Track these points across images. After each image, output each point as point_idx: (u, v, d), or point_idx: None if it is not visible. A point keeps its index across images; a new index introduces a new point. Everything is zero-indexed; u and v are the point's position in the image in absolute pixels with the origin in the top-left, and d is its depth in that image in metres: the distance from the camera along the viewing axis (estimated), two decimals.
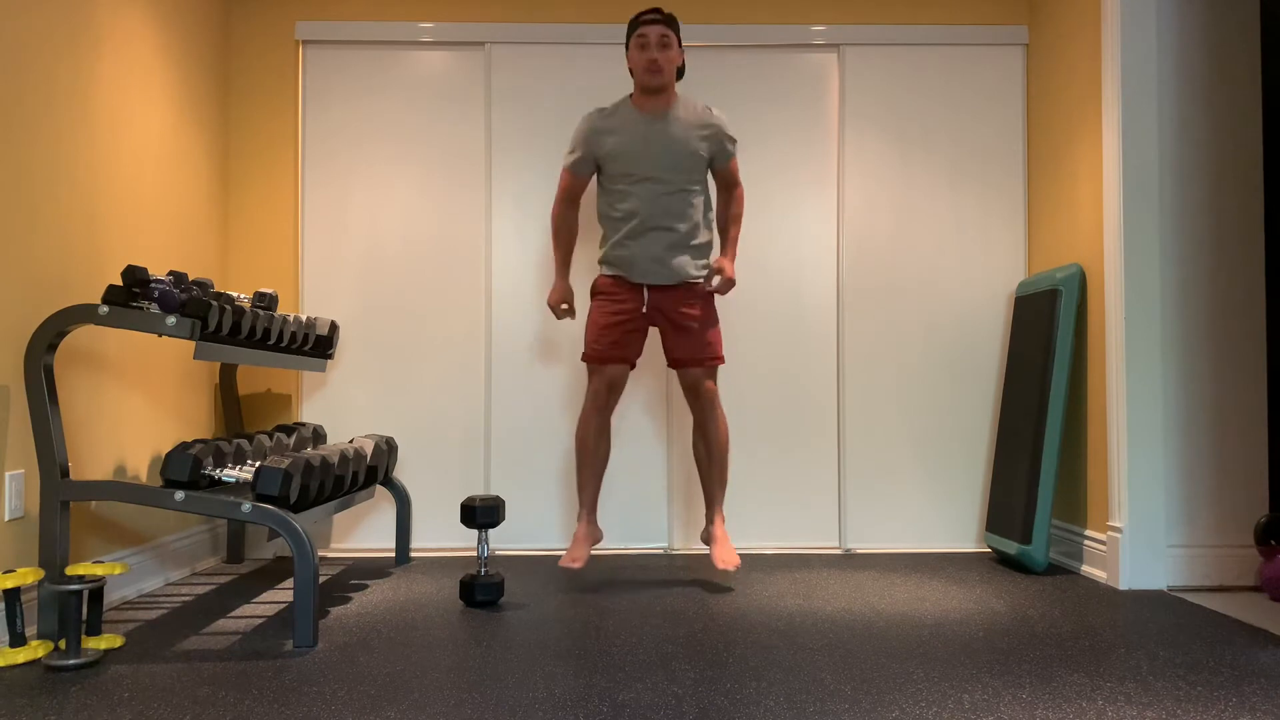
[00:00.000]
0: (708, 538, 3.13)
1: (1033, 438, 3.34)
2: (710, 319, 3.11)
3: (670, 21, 3.05)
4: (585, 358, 3.11)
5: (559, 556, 3.61)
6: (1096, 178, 3.26)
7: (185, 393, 3.37)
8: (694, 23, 3.78)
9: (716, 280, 3.06)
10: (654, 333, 3.24)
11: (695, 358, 3.07)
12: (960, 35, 3.80)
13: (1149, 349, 3.09)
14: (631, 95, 3.12)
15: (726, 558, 3.01)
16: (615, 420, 3.65)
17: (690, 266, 3.08)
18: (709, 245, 3.15)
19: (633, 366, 3.13)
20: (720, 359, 3.11)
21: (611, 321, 3.07)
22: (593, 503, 3.14)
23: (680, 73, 3.14)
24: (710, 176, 3.18)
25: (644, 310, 3.08)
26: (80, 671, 2.19)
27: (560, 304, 3.19)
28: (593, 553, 3.60)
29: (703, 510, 3.67)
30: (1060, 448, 3.31)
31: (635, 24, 3.07)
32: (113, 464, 2.90)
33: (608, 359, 3.07)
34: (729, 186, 3.18)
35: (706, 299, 3.12)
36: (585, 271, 3.61)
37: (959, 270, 3.81)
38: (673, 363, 3.12)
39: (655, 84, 3.02)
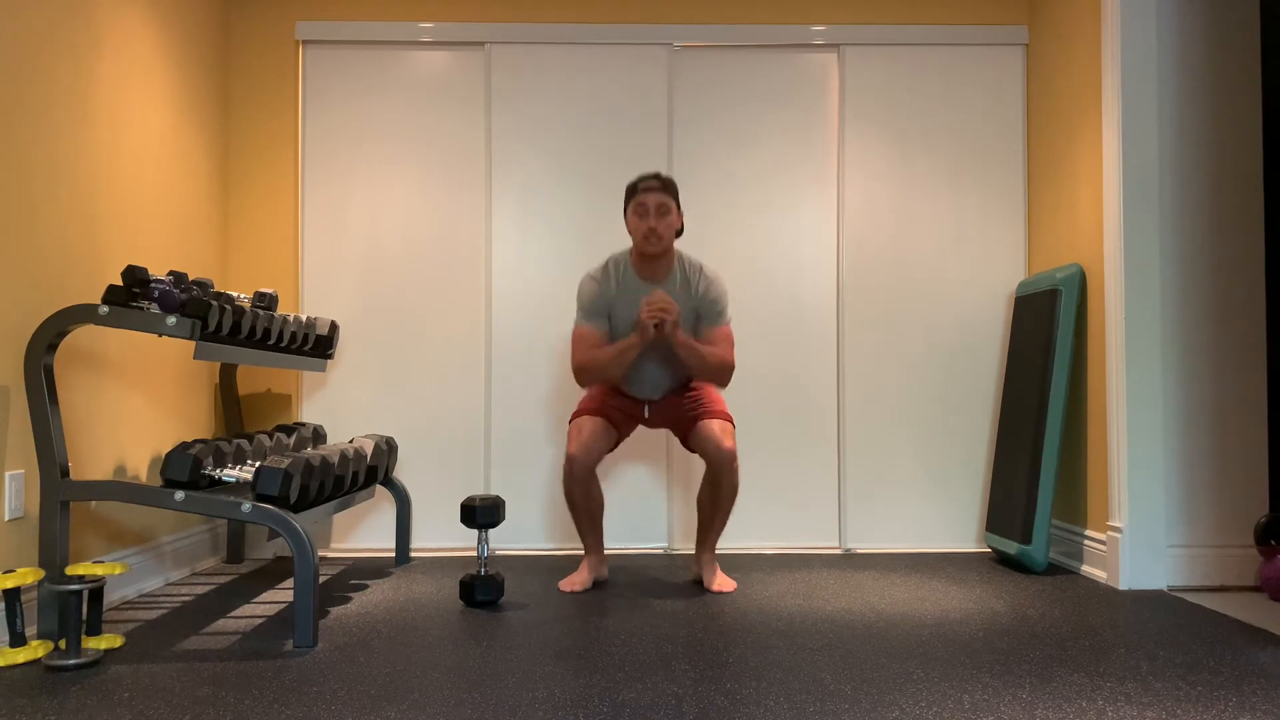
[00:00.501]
0: (699, 570, 3.12)
1: (1033, 438, 3.34)
2: (711, 392, 3.12)
3: (668, 188, 3.02)
4: (573, 416, 3.08)
5: (559, 557, 3.61)
6: (1096, 178, 3.26)
7: (185, 393, 3.37)
8: (694, 22, 3.78)
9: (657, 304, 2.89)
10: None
11: (709, 412, 3.04)
12: (960, 35, 3.80)
13: (1149, 349, 3.09)
14: (630, 256, 3.09)
15: (722, 584, 3.03)
16: None
17: (680, 386, 3.11)
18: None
19: (612, 448, 3.10)
20: (729, 417, 3.08)
21: (611, 402, 3.08)
22: (598, 546, 3.12)
23: (679, 233, 3.09)
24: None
25: (645, 416, 3.12)
26: (80, 671, 2.19)
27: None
28: None
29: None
30: (1060, 448, 3.31)
31: (634, 190, 3.04)
32: (113, 464, 2.90)
33: (594, 413, 3.04)
34: (711, 344, 3.04)
35: (701, 385, 3.13)
36: (588, 262, 3.57)
37: (959, 270, 3.81)
38: (688, 437, 3.11)
39: (654, 251, 3.01)
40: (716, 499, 3.04)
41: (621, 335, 3.02)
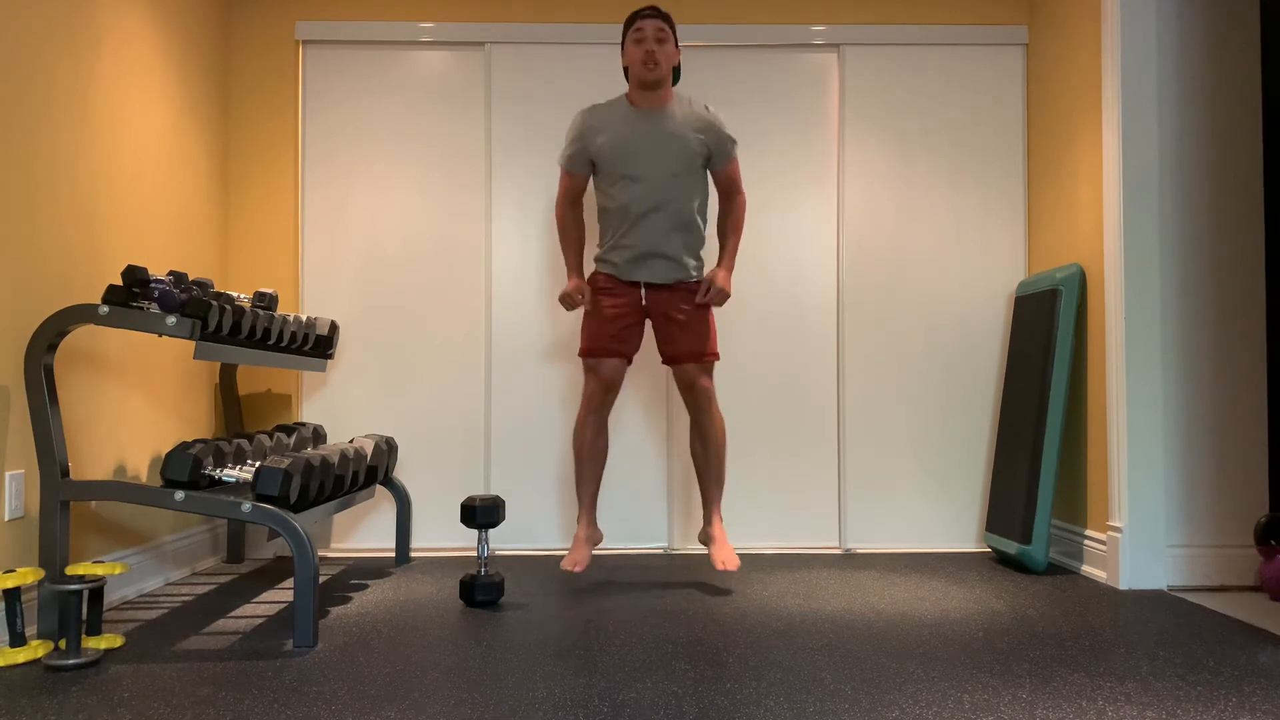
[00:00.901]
0: (706, 538, 3.11)
1: (1033, 438, 3.34)
2: (705, 315, 3.09)
3: (667, 18, 3.05)
4: (583, 352, 3.10)
5: (559, 557, 3.62)
6: (1096, 178, 3.26)
7: (185, 393, 3.37)
8: (694, 22, 3.78)
9: (711, 291, 3.03)
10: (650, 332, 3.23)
11: (690, 353, 3.05)
12: (960, 35, 3.80)
13: (1149, 349, 3.09)
14: (627, 93, 3.11)
15: (726, 558, 2.99)
16: (615, 420, 3.66)
17: (688, 265, 3.07)
18: (703, 239, 3.12)
19: (629, 362, 3.12)
20: (715, 355, 3.09)
21: (610, 315, 3.07)
22: (592, 503, 3.13)
23: (676, 74, 3.12)
24: (711, 181, 3.16)
25: (641, 303, 3.08)
26: (80, 671, 2.19)
27: (576, 294, 3.08)
28: (593, 553, 3.59)
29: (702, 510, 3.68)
30: (1060, 448, 3.31)
31: (631, 20, 3.07)
32: (113, 464, 2.90)
33: (606, 353, 3.06)
34: (729, 194, 3.12)
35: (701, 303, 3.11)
36: (587, 269, 3.60)
37: (959, 270, 3.81)
38: (667, 359, 3.10)
39: (651, 78, 3.00)
40: (705, 443, 3.08)
41: (607, 165, 3.03)
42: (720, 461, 3.12)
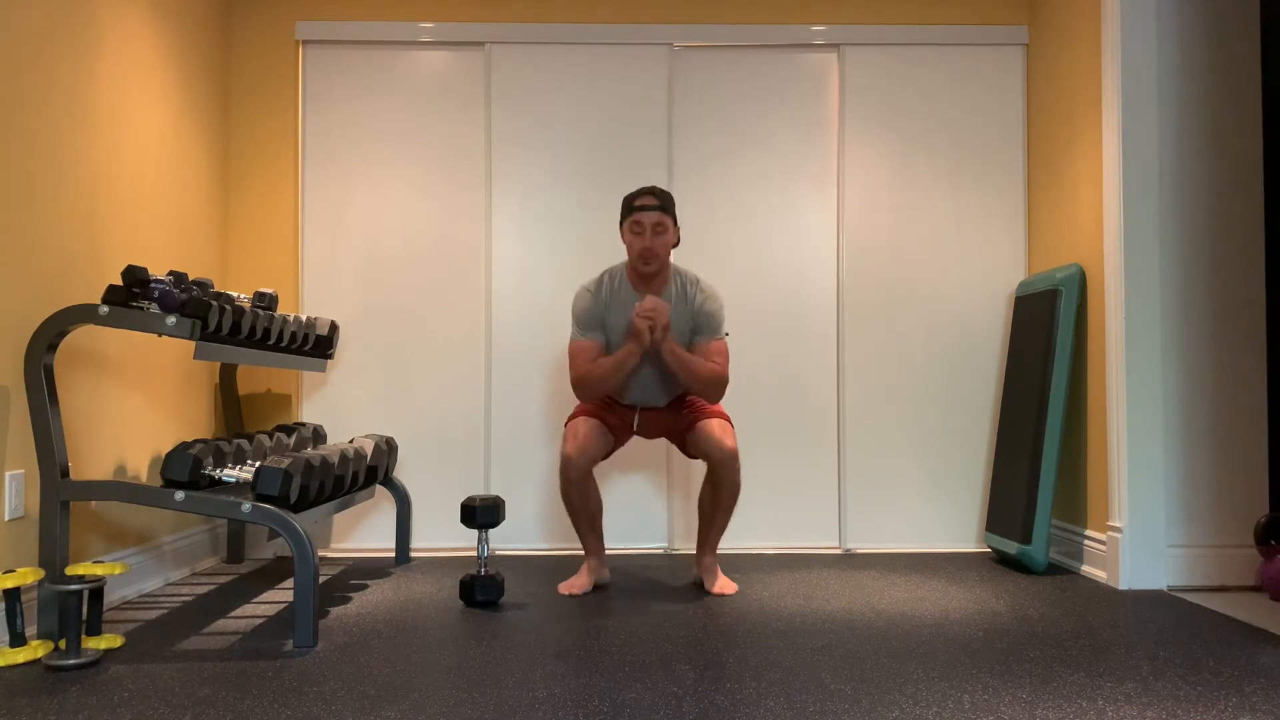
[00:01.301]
0: (701, 570, 3.10)
1: (1033, 438, 3.34)
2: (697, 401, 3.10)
3: (665, 206, 2.99)
4: (567, 420, 3.07)
5: (559, 557, 3.61)
6: (1096, 178, 3.26)
7: (185, 393, 3.37)
8: (694, 22, 3.78)
9: (647, 303, 2.91)
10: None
11: (702, 414, 3.03)
12: (960, 35, 3.80)
13: (1149, 349, 3.09)
14: (626, 270, 3.07)
15: (723, 586, 3.02)
16: None
17: (676, 394, 3.10)
18: None
19: (609, 452, 3.09)
20: (727, 416, 3.05)
21: (605, 412, 3.06)
22: (598, 549, 3.10)
23: (675, 244, 3.06)
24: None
25: (633, 426, 3.11)
26: (80, 671, 2.19)
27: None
28: None
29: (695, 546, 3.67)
30: (1060, 448, 3.31)
31: (631, 207, 3.01)
32: (113, 464, 2.90)
33: (590, 414, 3.03)
34: (705, 358, 3.02)
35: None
36: (588, 262, 3.57)
37: (959, 270, 3.81)
38: (686, 442, 3.09)
39: (649, 270, 3.00)
40: (718, 499, 3.03)
41: (616, 346, 3.00)
42: (728, 517, 3.07)
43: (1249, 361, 3.14)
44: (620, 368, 2.95)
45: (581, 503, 3.01)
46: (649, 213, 2.97)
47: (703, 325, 3.04)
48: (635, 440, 3.48)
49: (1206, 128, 3.15)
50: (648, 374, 3.04)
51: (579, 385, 3.02)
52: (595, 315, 3.03)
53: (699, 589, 3.06)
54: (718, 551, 3.14)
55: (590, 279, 3.11)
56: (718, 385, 3.01)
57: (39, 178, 2.54)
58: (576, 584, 3.02)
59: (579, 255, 3.67)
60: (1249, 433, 3.14)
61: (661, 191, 3.03)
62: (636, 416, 3.10)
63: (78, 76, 2.73)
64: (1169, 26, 3.14)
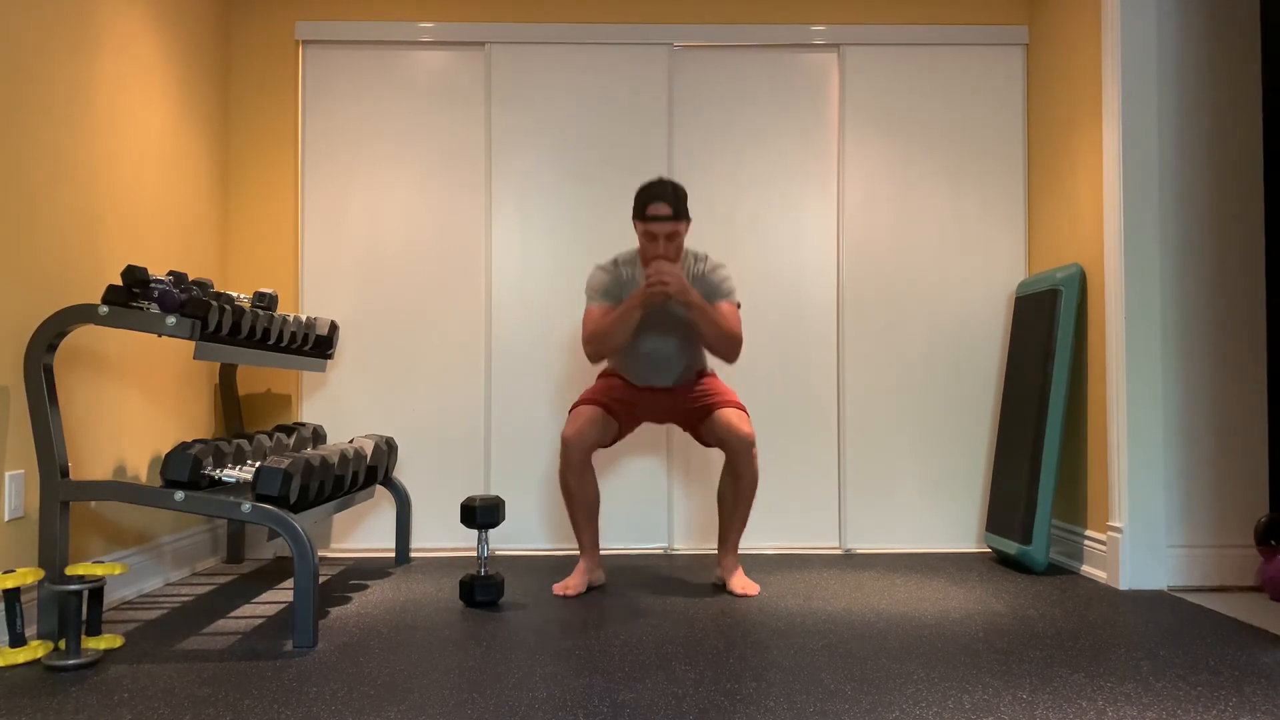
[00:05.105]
0: (722, 571, 3.09)
1: (1033, 438, 3.34)
2: (719, 383, 3.12)
3: (679, 212, 2.96)
4: (572, 408, 3.08)
5: (559, 557, 3.61)
6: (1096, 178, 3.26)
7: (185, 393, 3.37)
8: (694, 22, 3.78)
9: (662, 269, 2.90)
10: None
11: (718, 402, 3.04)
12: (960, 35, 3.80)
13: (1149, 349, 3.09)
14: (640, 256, 3.08)
15: (745, 586, 3.00)
16: None
17: (688, 373, 3.11)
18: (705, 363, 3.17)
19: (611, 441, 3.10)
20: (742, 406, 3.06)
21: (613, 396, 3.07)
22: (593, 546, 3.08)
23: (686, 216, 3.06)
24: None
25: (650, 405, 3.10)
26: (80, 671, 2.19)
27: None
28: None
29: (702, 510, 3.67)
30: (1060, 448, 3.31)
31: (644, 213, 2.96)
32: (113, 464, 2.90)
33: (593, 403, 3.04)
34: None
35: (708, 377, 3.14)
36: (588, 262, 3.56)
37: (959, 270, 3.81)
38: (700, 430, 3.10)
39: None
40: (738, 490, 3.02)
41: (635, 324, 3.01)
42: (748, 509, 3.07)
43: (1249, 361, 3.14)
44: (624, 318, 2.94)
45: (579, 489, 3.01)
46: (662, 224, 2.95)
47: (713, 288, 3.04)
48: (635, 441, 3.49)
49: (1206, 128, 3.15)
50: (655, 353, 3.04)
51: (589, 342, 3.03)
52: (612, 288, 3.06)
53: (699, 589, 3.06)
54: (739, 551, 3.12)
55: (605, 260, 3.14)
56: (734, 341, 3.01)
57: (39, 178, 2.54)
58: (570, 584, 3.01)
59: (579, 254, 3.66)
60: (1249, 433, 3.14)
61: (674, 192, 2.97)
62: (651, 397, 3.09)
63: (78, 76, 2.73)
64: (1169, 26, 3.14)
